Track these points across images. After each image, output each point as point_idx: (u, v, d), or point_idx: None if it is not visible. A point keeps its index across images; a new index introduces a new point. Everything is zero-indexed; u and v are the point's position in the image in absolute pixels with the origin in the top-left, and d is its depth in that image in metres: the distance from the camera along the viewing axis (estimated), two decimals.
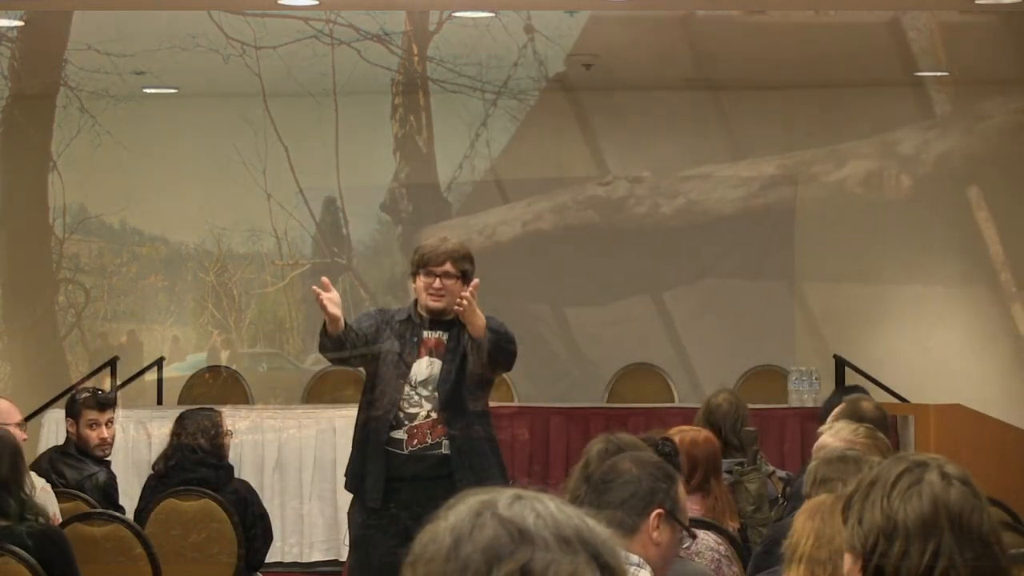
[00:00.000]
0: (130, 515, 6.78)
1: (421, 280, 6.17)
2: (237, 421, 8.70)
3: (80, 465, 6.97)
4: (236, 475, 7.31)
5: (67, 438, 7.16)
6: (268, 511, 7.28)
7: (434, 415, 6.09)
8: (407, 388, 6.11)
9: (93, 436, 7.02)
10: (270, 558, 7.70)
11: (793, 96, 12.58)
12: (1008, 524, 5.79)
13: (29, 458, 6.40)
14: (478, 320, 5.96)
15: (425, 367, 6.14)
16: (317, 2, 10.57)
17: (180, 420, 7.11)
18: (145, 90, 12.64)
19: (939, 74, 12.50)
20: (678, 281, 12.66)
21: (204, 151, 12.71)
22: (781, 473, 6.92)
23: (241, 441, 8.93)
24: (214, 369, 11.40)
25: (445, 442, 6.07)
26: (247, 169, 12.62)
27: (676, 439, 5.66)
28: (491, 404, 6.47)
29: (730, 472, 6.40)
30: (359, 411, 6.27)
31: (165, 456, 7.09)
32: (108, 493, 6.93)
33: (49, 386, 10.94)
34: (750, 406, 6.98)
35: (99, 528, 6.13)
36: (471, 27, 11.93)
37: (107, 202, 12.90)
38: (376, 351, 6.14)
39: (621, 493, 3.85)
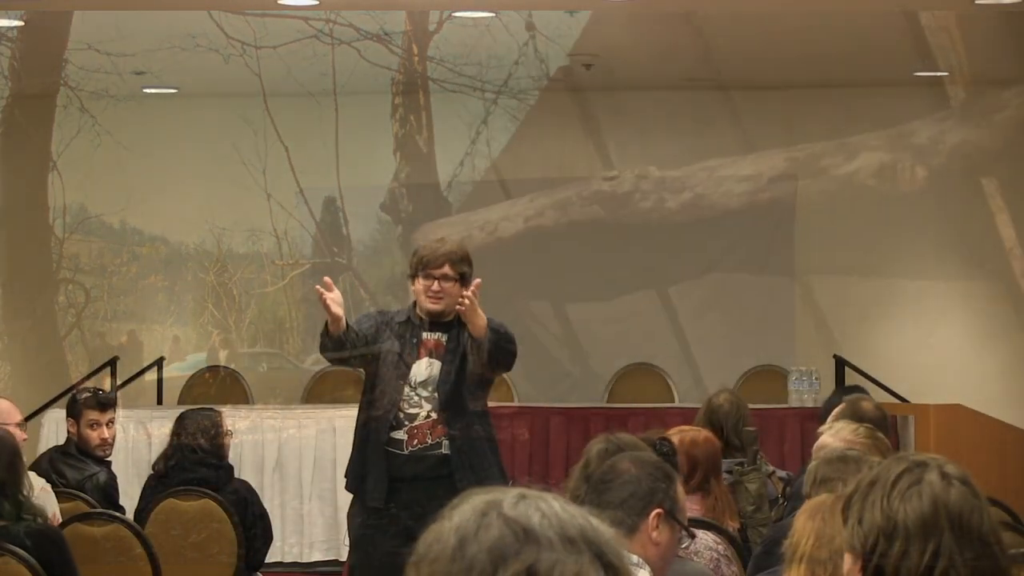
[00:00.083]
0: (130, 515, 6.79)
1: (420, 282, 6.18)
2: (237, 421, 8.70)
3: (80, 465, 6.97)
4: (236, 475, 7.31)
5: (68, 438, 7.16)
6: (268, 511, 7.29)
7: (434, 415, 6.11)
8: (407, 389, 6.12)
9: (94, 436, 7.02)
10: (270, 558, 7.70)
11: (801, 95, 12.54)
12: (1008, 524, 5.79)
13: (29, 458, 6.41)
14: (479, 320, 5.97)
15: (425, 368, 6.15)
16: (317, 2, 10.56)
17: (180, 420, 7.11)
18: (145, 90, 12.63)
19: (941, 73, 12.44)
20: (683, 276, 12.62)
21: (204, 151, 12.70)
22: (781, 473, 6.93)
23: (241, 441, 8.93)
24: (214, 369, 11.39)
25: (445, 442, 6.09)
26: (247, 169, 12.61)
27: (676, 439, 5.67)
28: (491, 404, 6.49)
29: (730, 472, 6.40)
30: (359, 411, 6.29)
31: (165, 456, 7.09)
32: (108, 493, 6.93)
33: (49, 386, 10.93)
34: (750, 406, 6.99)
35: (99, 528, 6.14)
36: (471, 27, 11.92)
37: (107, 202, 12.89)
38: (376, 352, 6.15)
39: (620, 493, 3.86)
